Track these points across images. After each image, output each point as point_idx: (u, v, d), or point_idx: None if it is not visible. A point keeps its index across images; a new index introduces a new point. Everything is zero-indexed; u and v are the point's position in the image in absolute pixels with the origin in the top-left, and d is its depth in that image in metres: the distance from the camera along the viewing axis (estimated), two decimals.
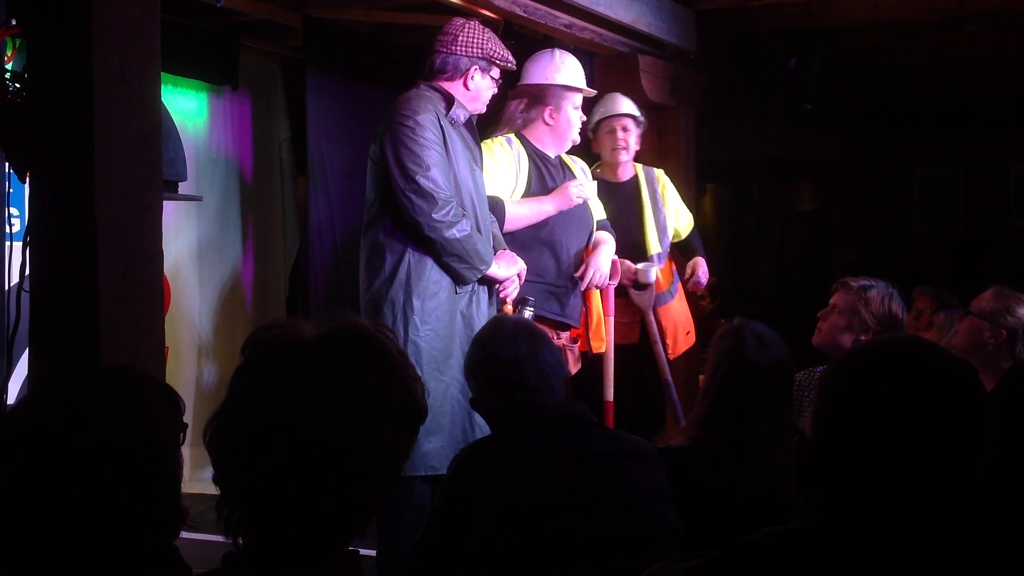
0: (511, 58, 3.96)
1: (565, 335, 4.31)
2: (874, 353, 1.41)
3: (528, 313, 4.01)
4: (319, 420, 1.38)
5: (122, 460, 1.66)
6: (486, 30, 3.95)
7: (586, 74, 4.51)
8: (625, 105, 4.83)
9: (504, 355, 2.60)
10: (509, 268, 3.90)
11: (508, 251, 3.97)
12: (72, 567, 1.64)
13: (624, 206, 4.80)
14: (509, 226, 4.16)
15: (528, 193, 4.28)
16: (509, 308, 3.99)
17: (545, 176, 4.36)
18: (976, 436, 1.33)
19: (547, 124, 4.38)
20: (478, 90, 3.89)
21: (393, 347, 1.48)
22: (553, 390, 2.61)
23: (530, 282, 4.12)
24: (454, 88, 3.85)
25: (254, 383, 1.42)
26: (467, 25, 3.92)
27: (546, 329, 4.12)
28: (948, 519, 1.33)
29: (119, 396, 1.72)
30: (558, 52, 4.38)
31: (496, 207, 4.10)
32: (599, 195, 4.55)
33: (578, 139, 4.46)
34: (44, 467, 1.65)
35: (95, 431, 1.67)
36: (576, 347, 4.37)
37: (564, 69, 4.33)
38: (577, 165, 4.56)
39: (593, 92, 4.50)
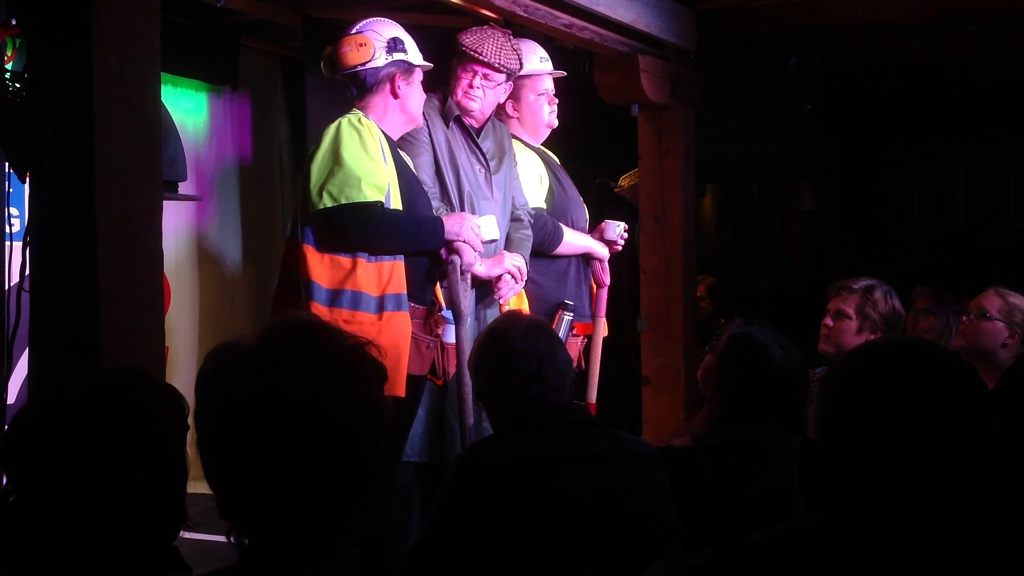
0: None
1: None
2: (877, 353, 1.42)
3: (567, 319, 4.04)
4: (288, 407, 1.38)
5: (135, 459, 1.67)
6: None
7: (551, 58, 4.39)
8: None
9: (523, 348, 2.59)
10: (492, 268, 3.91)
11: (502, 252, 3.99)
12: (75, 565, 1.64)
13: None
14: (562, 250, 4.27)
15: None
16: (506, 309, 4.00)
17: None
18: (978, 435, 1.34)
19: (512, 118, 4.37)
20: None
21: (328, 325, 1.49)
22: (566, 389, 2.62)
23: (560, 284, 4.18)
24: None
25: (207, 400, 1.43)
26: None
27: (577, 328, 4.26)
28: (950, 518, 1.33)
29: (132, 396, 1.72)
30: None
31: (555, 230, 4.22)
32: (549, 167, 4.41)
33: (554, 123, 4.39)
34: (58, 467, 1.66)
35: (110, 430, 1.67)
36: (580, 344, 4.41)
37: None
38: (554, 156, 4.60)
39: (554, 73, 4.37)
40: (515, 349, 2.60)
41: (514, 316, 2.81)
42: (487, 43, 3.92)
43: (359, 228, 3.49)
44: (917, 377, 1.35)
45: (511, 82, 4.09)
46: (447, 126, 3.96)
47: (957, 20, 5.76)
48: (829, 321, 3.70)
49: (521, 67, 4.05)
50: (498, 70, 3.94)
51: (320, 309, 3.45)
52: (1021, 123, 7.72)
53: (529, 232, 4.15)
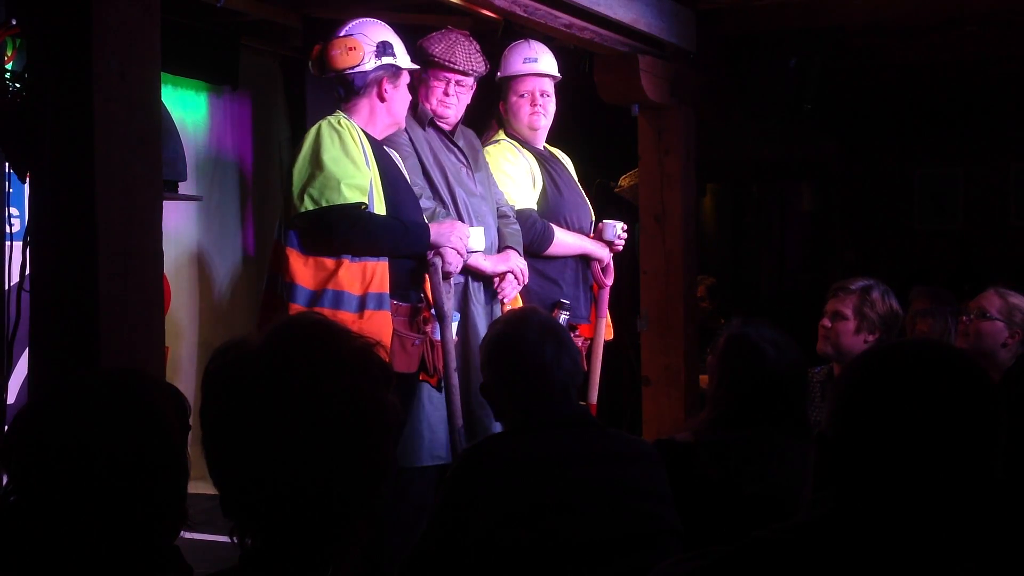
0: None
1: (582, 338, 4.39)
2: (891, 351, 1.47)
3: (562, 318, 4.05)
4: (294, 406, 1.38)
5: (136, 460, 1.67)
6: None
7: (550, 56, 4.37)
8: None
9: (531, 359, 2.57)
10: (497, 264, 3.92)
11: (508, 249, 4.00)
12: (75, 565, 1.63)
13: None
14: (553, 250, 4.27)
15: (545, 195, 4.35)
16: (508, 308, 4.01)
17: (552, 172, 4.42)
18: (992, 432, 1.38)
19: (508, 118, 4.40)
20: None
21: (336, 325, 1.49)
22: (570, 397, 2.60)
23: (555, 285, 4.18)
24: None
25: (213, 397, 1.43)
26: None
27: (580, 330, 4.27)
28: (963, 511, 1.37)
29: (132, 396, 1.72)
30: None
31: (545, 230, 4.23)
32: (542, 166, 4.39)
33: (537, 124, 4.36)
34: (58, 467, 1.65)
35: (110, 430, 1.67)
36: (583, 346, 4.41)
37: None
38: (564, 157, 4.60)
39: (537, 73, 4.34)
40: (524, 360, 2.58)
41: (525, 318, 2.74)
42: (456, 50, 3.97)
43: (343, 231, 3.49)
44: (930, 372, 1.39)
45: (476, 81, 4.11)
46: (424, 129, 3.99)
47: (957, 20, 5.77)
48: (827, 322, 3.70)
49: (487, 68, 4.09)
50: (468, 75, 4.00)
51: (299, 311, 3.45)
52: (1021, 123, 7.72)
53: (517, 227, 4.16)
